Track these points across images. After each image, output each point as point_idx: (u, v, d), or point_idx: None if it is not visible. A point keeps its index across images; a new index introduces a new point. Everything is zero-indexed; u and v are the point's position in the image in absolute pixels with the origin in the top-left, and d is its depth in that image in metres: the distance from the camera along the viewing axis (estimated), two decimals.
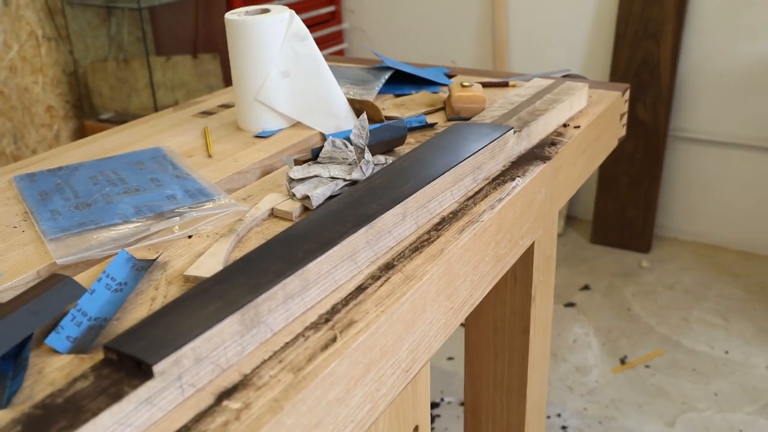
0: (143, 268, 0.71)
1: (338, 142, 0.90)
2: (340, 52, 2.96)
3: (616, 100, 1.25)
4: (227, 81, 2.57)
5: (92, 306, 0.64)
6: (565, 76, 1.42)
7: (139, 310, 0.65)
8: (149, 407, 0.50)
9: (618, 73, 2.54)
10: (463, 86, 1.17)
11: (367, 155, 0.86)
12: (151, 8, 2.57)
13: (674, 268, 2.53)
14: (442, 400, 1.87)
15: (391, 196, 0.75)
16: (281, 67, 1.09)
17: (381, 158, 0.90)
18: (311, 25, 2.78)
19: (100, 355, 0.58)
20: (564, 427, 1.77)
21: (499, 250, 0.85)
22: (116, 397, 0.48)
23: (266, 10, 1.10)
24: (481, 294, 0.83)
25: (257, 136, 1.09)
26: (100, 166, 0.98)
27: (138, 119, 1.20)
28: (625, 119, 1.35)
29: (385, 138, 0.97)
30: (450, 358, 2.05)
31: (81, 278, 0.71)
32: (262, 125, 1.11)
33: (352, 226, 0.68)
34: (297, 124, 1.13)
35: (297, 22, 1.10)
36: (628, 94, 1.32)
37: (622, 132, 1.35)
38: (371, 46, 2.99)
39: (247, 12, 1.10)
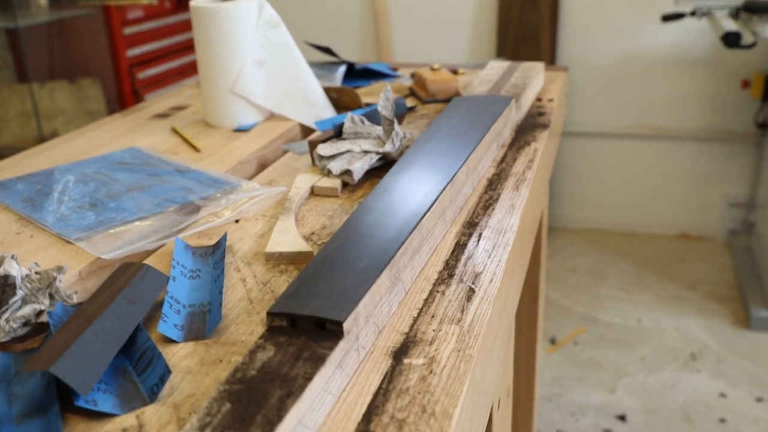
0: (207, 254, 0.64)
1: (356, 118, 0.87)
2: None
3: (565, 81, 1.31)
4: (110, 106, 2.40)
5: (180, 293, 0.57)
6: None
7: (233, 291, 0.58)
8: (340, 372, 0.44)
9: None
10: (434, 70, 1.17)
11: (397, 127, 0.83)
12: (8, 32, 2.35)
13: (571, 253, 2.68)
14: None
15: (453, 158, 0.73)
16: (256, 56, 1.03)
17: (398, 129, 0.88)
18: (191, 44, 2.67)
19: (221, 338, 0.51)
20: None
21: (535, 210, 0.86)
22: (317, 360, 0.42)
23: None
24: (529, 257, 0.82)
25: (237, 130, 1.02)
26: (79, 169, 0.87)
27: (86, 126, 1.08)
28: (567, 99, 1.41)
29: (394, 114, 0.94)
30: None
31: None
32: (237, 120, 1.04)
33: (438, 184, 0.66)
34: (271, 117, 1.07)
35: (268, 9, 1.04)
36: (567, 74, 1.39)
37: (566, 111, 1.41)
38: None
39: (212, 0, 1.03)
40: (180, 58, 2.61)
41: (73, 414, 0.44)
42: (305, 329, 0.45)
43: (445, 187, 0.65)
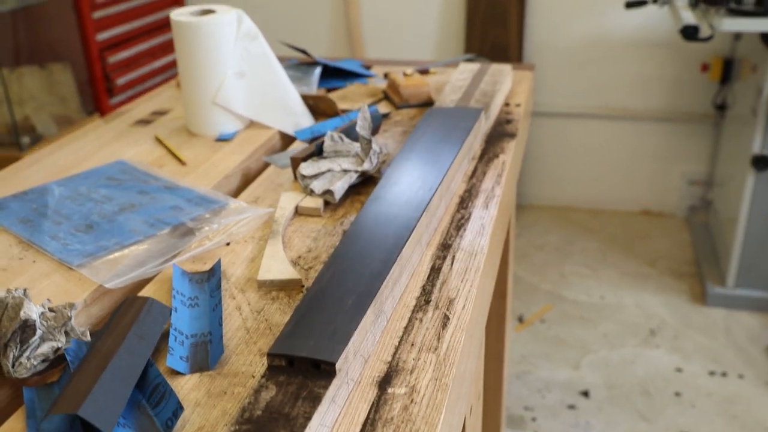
0: (203, 280, 0.69)
1: (335, 136, 0.92)
2: None
3: (531, 80, 1.37)
4: (81, 91, 2.39)
5: (182, 324, 0.62)
6: (468, 60, 1.52)
7: (231, 321, 0.63)
8: (333, 405, 0.50)
9: (471, 54, 2.71)
10: (406, 75, 1.22)
11: (375, 146, 0.88)
12: None
13: (539, 230, 2.77)
14: None
15: (428, 181, 0.79)
16: (236, 68, 1.07)
17: (375, 147, 0.93)
18: (161, 25, 2.66)
19: (224, 368, 0.57)
20: None
21: (503, 220, 0.92)
22: (314, 399, 0.48)
23: (210, 11, 1.07)
24: (499, 261, 0.89)
25: (218, 140, 1.07)
26: (69, 185, 0.91)
27: (68, 135, 1.11)
28: (533, 96, 1.47)
29: None
30: None
31: None
32: (219, 129, 1.08)
33: (415, 211, 0.71)
34: (252, 124, 1.12)
35: (247, 22, 1.08)
36: (534, 72, 1.44)
37: (532, 107, 1.47)
38: None
39: (191, 13, 1.06)
40: (150, 40, 2.60)
41: None
42: (302, 368, 0.51)
43: (421, 215, 0.71)
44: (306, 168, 0.87)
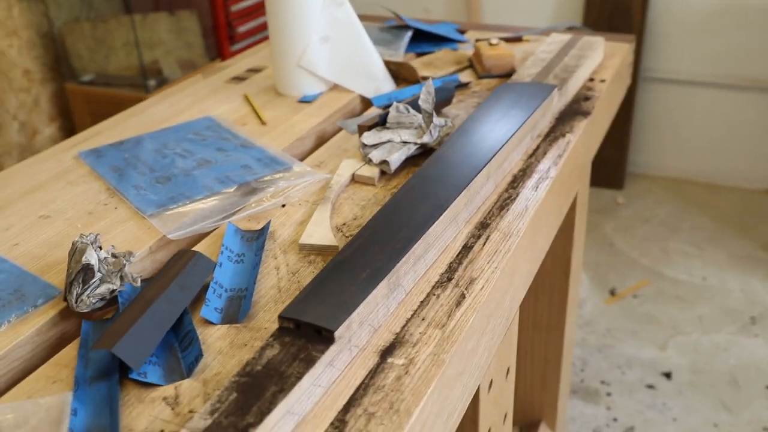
0: (252, 238, 0.76)
1: (401, 107, 0.95)
2: None
3: (627, 52, 1.32)
4: (206, 38, 2.53)
5: (224, 278, 0.69)
6: (569, 28, 1.48)
7: (267, 279, 0.69)
8: (330, 368, 0.55)
9: (591, 17, 2.60)
10: (491, 45, 1.22)
11: (436, 120, 0.91)
12: None
13: (648, 202, 2.67)
14: None
15: (475, 160, 0.81)
16: (321, 33, 1.12)
17: (441, 120, 0.95)
18: None
19: (251, 323, 0.63)
20: None
21: (560, 201, 0.92)
22: (309, 362, 0.53)
23: None
24: (549, 242, 0.90)
25: (301, 101, 1.12)
26: (160, 138, 1.00)
27: (169, 88, 1.21)
28: (630, 69, 1.42)
29: (439, 100, 1.02)
30: None
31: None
32: (303, 90, 1.14)
33: (454, 190, 0.74)
34: (335, 87, 1.16)
35: None
36: (634, 45, 1.39)
37: (629, 81, 1.42)
38: None
39: None
40: None
41: (128, 380, 0.57)
42: (307, 332, 0.56)
43: (458, 195, 0.74)
44: (368, 137, 0.91)
